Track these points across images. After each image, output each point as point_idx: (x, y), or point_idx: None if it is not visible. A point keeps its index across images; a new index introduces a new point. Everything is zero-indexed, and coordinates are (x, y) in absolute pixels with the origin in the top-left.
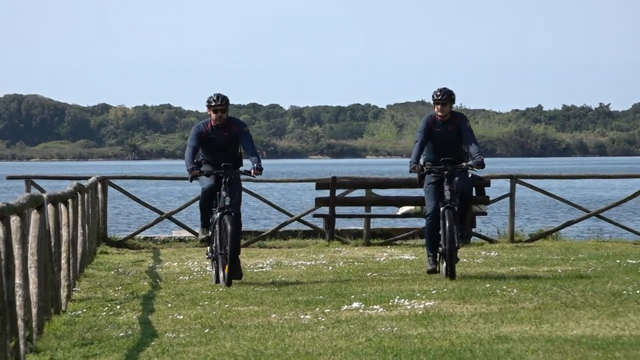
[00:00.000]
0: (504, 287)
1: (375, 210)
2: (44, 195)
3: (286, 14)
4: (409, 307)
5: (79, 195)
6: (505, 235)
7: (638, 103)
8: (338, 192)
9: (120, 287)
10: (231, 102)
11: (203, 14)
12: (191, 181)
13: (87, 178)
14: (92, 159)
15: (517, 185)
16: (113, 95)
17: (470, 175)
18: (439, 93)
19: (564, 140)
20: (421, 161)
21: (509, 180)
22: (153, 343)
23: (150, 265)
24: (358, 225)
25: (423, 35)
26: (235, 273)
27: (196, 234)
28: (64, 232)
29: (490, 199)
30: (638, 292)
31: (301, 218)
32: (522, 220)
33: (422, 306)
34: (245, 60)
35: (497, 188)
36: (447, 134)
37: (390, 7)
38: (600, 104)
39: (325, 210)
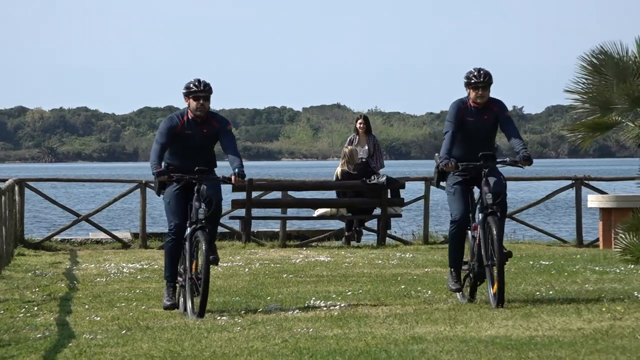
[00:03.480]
0: (419, 288)
1: (291, 212)
2: None
3: (200, 18)
4: (324, 308)
5: None
6: (419, 237)
7: (551, 106)
8: (254, 194)
9: (37, 289)
10: (146, 104)
11: (117, 16)
12: (159, 194)
13: (4, 180)
14: (9, 161)
15: (432, 188)
16: (30, 97)
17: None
18: (477, 74)
19: None
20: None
21: (423, 182)
22: (70, 344)
23: (68, 267)
24: (274, 227)
25: (338, 39)
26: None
27: (113, 237)
28: None
29: (405, 201)
30: (551, 293)
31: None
32: (437, 222)
33: (337, 307)
34: (160, 63)
35: (412, 190)
36: (481, 125)
37: (303, 11)
38: (514, 107)
39: (241, 212)
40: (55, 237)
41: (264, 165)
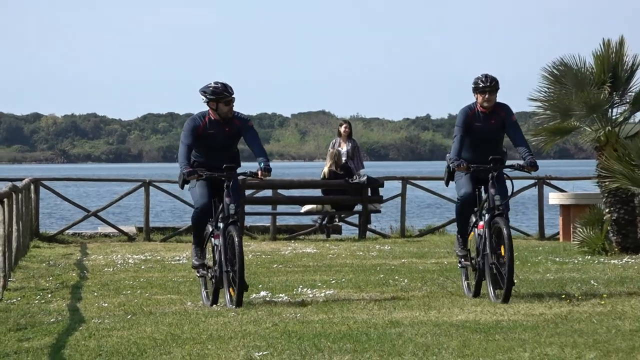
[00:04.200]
0: (396, 277)
1: (281, 208)
2: None
3: (198, 28)
4: (311, 295)
5: (14, 195)
6: (397, 230)
7: (516, 112)
8: (247, 192)
9: (51, 278)
10: (149, 111)
11: (120, 26)
12: (182, 187)
13: (21, 179)
14: (26, 162)
15: (408, 186)
16: (44, 105)
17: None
18: (484, 79)
19: (449, 145)
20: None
21: (400, 181)
22: (81, 328)
23: (78, 258)
24: (265, 222)
25: (322, 50)
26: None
27: (119, 230)
28: (0, 229)
29: (384, 198)
30: (516, 281)
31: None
32: (412, 218)
33: (322, 294)
34: (161, 73)
35: (390, 189)
36: (488, 129)
37: (288, 22)
38: None
39: None
40: (67, 231)
41: (256, 166)
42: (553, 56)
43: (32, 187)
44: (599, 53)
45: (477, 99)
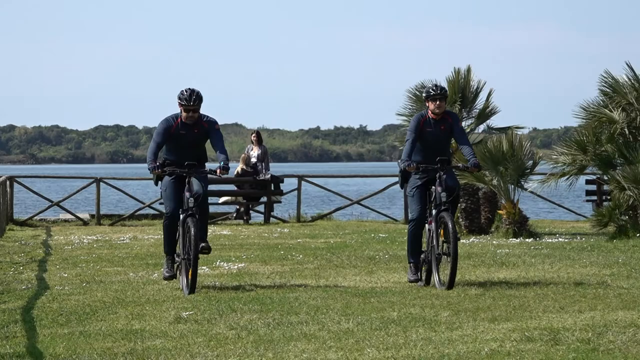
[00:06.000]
0: (293, 253)
1: None
2: None
3: (141, 59)
4: (227, 267)
5: None
6: (294, 217)
7: (387, 124)
8: None
9: (22, 254)
10: (100, 123)
11: (78, 54)
12: (156, 184)
13: None
14: (2, 163)
15: (303, 182)
16: (18, 118)
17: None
18: (435, 88)
19: (335, 150)
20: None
21: (297, 178)
22: (46, 293)
23: (44, 238)
24: None
25: (235, 72)
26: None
27: (76, 217)
28: None
29: (284, 191)
30: (387, 256)
31: (151, 205)
32: (307, 207)
33: (236, 267)
34: (111, 92)
35: (289, 184)
36: (438, 134)
37: (208, 50)
38: (360, 125)
39: None
40: (35, 217)
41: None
42: (415, 80)
43: (7, 182)
44: (451, 78)
45: (428, 106)
